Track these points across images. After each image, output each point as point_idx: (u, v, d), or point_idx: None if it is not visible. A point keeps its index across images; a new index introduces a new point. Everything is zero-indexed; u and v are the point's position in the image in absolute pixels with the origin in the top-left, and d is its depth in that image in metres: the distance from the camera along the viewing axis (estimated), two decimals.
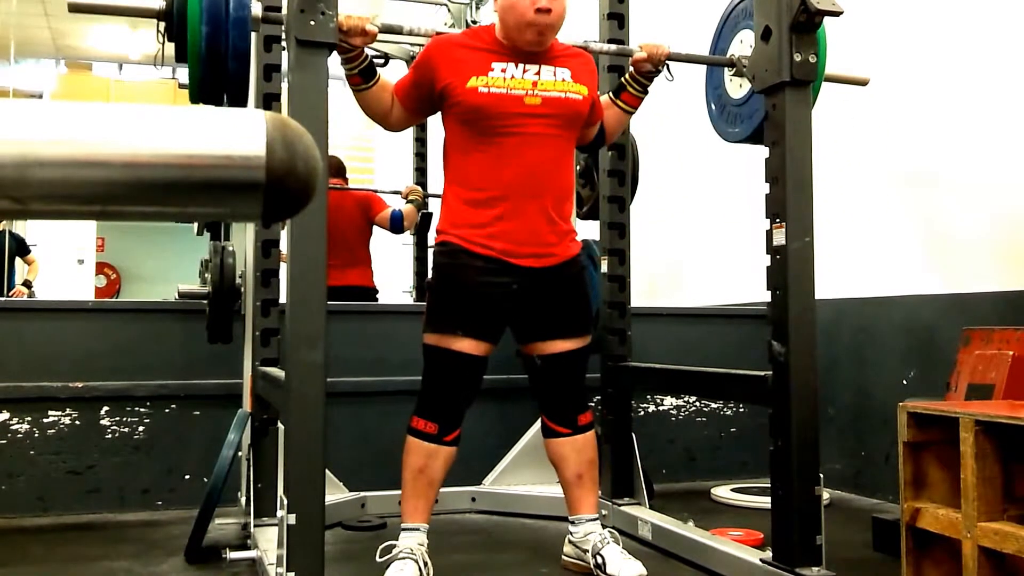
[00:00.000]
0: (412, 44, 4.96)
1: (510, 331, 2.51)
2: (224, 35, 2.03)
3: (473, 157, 2.36)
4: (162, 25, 2.08)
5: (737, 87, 2.61)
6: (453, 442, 2.38)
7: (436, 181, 5.18)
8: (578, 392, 2.50)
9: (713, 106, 2.76)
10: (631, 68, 2.59)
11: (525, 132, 2.33)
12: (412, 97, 2.43)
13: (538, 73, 2.37)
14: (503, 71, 2.34)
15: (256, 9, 2.10)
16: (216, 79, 2.06)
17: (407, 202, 4.60)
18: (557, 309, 2.45)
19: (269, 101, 2.72)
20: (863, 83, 2.67)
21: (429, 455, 2.35)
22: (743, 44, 2.56)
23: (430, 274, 2.51)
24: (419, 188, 4.74)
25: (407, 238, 5.22)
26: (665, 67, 2.56)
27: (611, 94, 2.64)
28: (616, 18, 3.10)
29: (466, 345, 2.34)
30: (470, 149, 2.37)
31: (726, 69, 2.60)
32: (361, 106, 2.44)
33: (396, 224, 4.50)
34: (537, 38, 2.33)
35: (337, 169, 4.53)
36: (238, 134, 0.94)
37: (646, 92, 2.62)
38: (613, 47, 2.77)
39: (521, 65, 2.36)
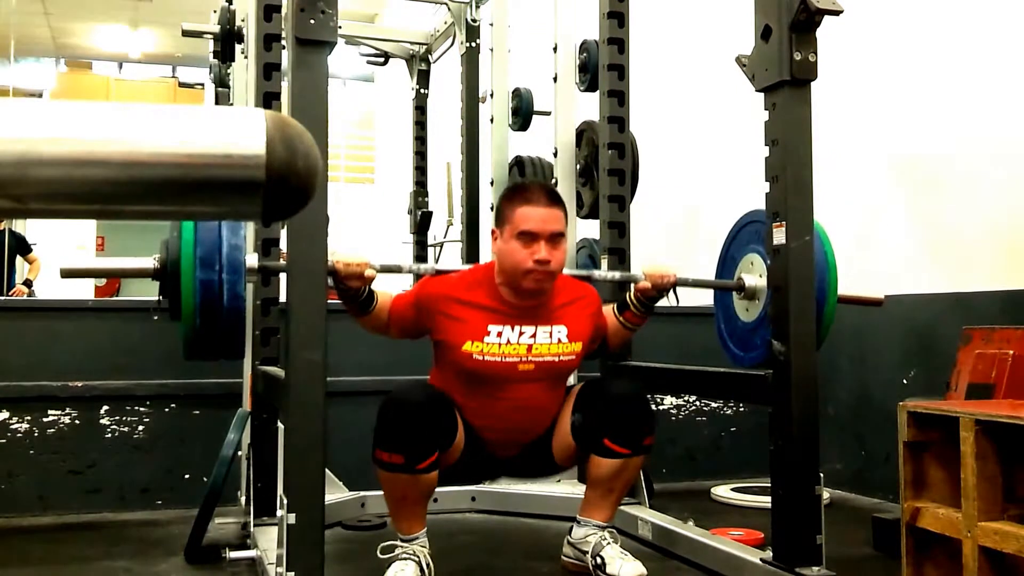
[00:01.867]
0: (412, 43, 4.96)
1: (538, 475, 2.64)
2: (218, 296, 2.03)
3: (460, 383, 2.39)
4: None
5: (745, 310, 2.55)
6: (429, 469, 2.22)
7: (436, 180, 5.19)
8: (646, 409, 2.42)
9: (723, 326, 2.71)
10: (635, 291, 2.55)
11: (515, 391, 2.37)
12: (410, 325, 2.42)
13: (534, 335, 2.37)
14: (499, 335, 2.33)
15: (252, 261, 2.12)
16: (210, 336, 2.07)
17: None
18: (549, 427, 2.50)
19: (269, 100, 2.72)
20: (878, 303, 2.65)
21: (403, 485, 2.24)
22: (752, 267, 2.51)
23: None
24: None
25: (407, 236, 5.22)
26: (673, 292, 2.52)
27: (615, 309, 2.60)
28: (616, 17, 3.09)
29: (434, 389, 2.34)
30: (459, 378, 2.39)
31: (735, 293, 2.58)
32: (359, 324, 2.41)
33: None
34: (535, 287, 2.33)
35: None
36: (238, 133, 0.94)
37: (650, 312, 2.59)
38: (617, 275, 2.78)
39: (517, 328, 2.35)
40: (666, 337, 3.81)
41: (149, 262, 2.08)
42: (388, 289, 2.43)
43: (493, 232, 2.43)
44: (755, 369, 2.37)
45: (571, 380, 2.61)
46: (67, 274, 1.97)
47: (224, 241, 2.03)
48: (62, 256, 9.78)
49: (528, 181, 3.46)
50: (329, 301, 2.08)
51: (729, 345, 2.66)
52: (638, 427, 2.39)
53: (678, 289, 2.52)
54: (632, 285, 2.59)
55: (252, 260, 2.11)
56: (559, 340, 2.40)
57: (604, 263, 3.09)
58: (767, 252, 2.28)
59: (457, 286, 2.39)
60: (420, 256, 5.10)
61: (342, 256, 2.18)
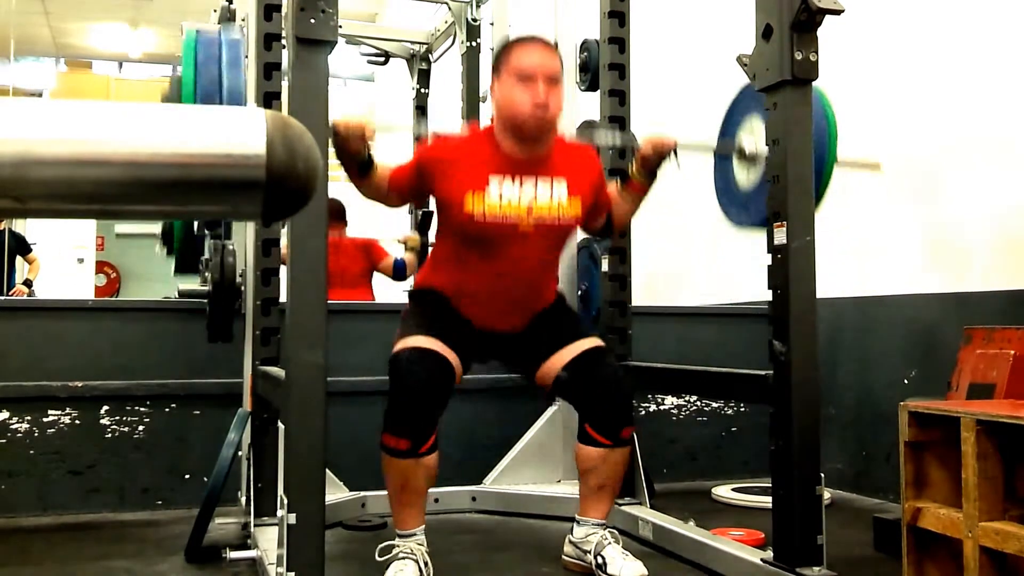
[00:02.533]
0: (412, 43, 4.96)
1: (519, 373, 2.54)
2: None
3: (461, 256, 2.41)
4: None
5: (745, 175, 2.56)
6: (430, 451, 2.28)
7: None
8: (623, 399, 2.44)
9: (721, 191, 2.72)
10: (638, 159, 2.56)
11: (516, 250, 2.37)
12: (409, 191, 2.45)
13: (534, 192, 2.37)
14: (499, 192, 2.34)
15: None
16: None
17: (406, 249, 4.66)
18: (551, 329, 2.48)
19: (269, 100, 2.71)
20: (875, 168, 2.65)
21: (407, 470, 2.28)
22: (752, 130, 2.51)
23: (402, 312, 2.52)
24: (416, 236, 4.75)
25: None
26: (674, 156, 2.52)
27: (619, 183, 2.61)
28: (617, 16, 3.09)
29: (432, 344, 2.32)
30: (460, 249, 2.41)
31: (734, 157, 2.58)
32: (357, 190, 2.42)
33: (399, 272, 4.61)
34: (535, 128, 2.33)
35: (336, 213, 4.49)
36: (238, 133, 0.93)
37: (654, 179, 2.58)
38: (617, 139, 2.78)
39: (518, 181, 2.35)
40: (667, 337, 3.81)
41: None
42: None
43: (491, 84, 2.43)
44: (755, 369, 2.37)
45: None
46: None
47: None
48: (62, 255, 9.77)
49: None
50: (329, 301, 2.08)
51: (729, 210, 2.68)
52: (615, 418, 2.41)
53: (679, 155, 2.53)
54: (634, 155, 2.59)
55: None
56: (559, 199, 2.39)
57: (605, 262, 3.08)
58: (768, 252, 2.27)
59: (458, 141, 2.43)
60: (420, 257, 5.09)
61: (343, 117, 2.18)
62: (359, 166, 2.31)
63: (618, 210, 2.61)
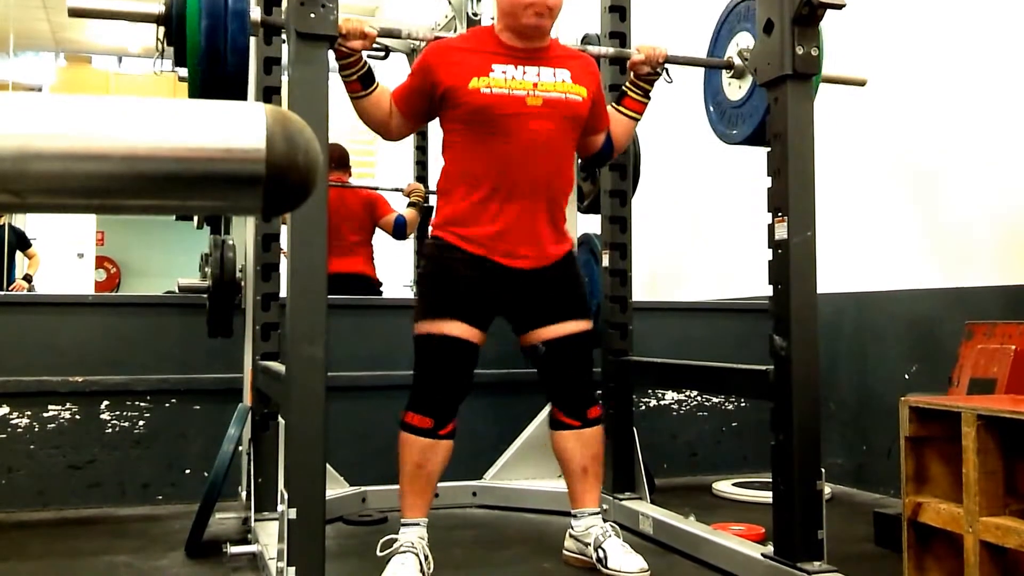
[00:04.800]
0: (412, 37, 4.94)
1: (509, 326, 2.50)
2: (224, 33, 2.02)
3: (473, 155, 2.36)
4: (161, 31, 2.08)
5: (736, 88, 2.60)
6: (449, 435, 2.36)
7: (437, 175, 5.17)
8: (587, 383, 2.49)
9: (712, 108, 2.74)
10: (631, 73, 2.60)
11: (527, 131, 2.33)
12: (412, 103, 2.42)
13: (538, 74, 2.37)
14: (503, 72, 2.33)
15: (255, 14, 2.10)
16: (216, 79, 2.05)
17: (408, 204, 4.61)
18: (553, 296, 2.46)
19: (269, 94, 2.71)
20: (861, 83, 2.67)
21: (426, 450, 2.33)
22: (740, 47, 2.56)
23: (422, 267, 2.49)
24: (421, 186, 4.71)
25: None
26: (664, 69, 2.57)
27: (614, 102, 2.64)
28: (617, 11, 3.08)
29: (458, 329, 2.32)
30: (470, 147, 2.37)
31: (724, 71, 2.60)
32: (359, 114, 2.42)
33: (399, 230, 4.51)
34: (536, 20, 2.33)
35: (340, 160, 4.44)
36: (238, 127, 0.93)
37: (648, 96, 2.63)
38: (611, 50, 2.78)
39: (521, 67, 2.36)
40: (667, 332, 3.81)
41: (155, 7, 2.07)
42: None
43: None
44: (756, 364, 2.37)
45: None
46: (73, 12, 1.99)
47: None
48: (62, 250, 9.76)
49: None
50: (329, 297, 2.08)
51: (719, 126, 2.71)
52: (578, 400, 2.46)
53: (669, 68, 2.57)
54: (628, 72, 2.62)
55: (255, 14, 2.10)
56: (563, 80, 2.39)
57: (605, 258, 3.08)
58: (769, 247, 2.27)
59: (458, 40, 2.45)
60: (420, 252, 5.08)
61: (345, 18, 2.18)
62: (360, 78, 2.32)
63: (616, 128, 2.62)
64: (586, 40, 3.35)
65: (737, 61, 2.50)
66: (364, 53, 2.33)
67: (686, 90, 4.31)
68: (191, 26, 2.01)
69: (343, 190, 4.41)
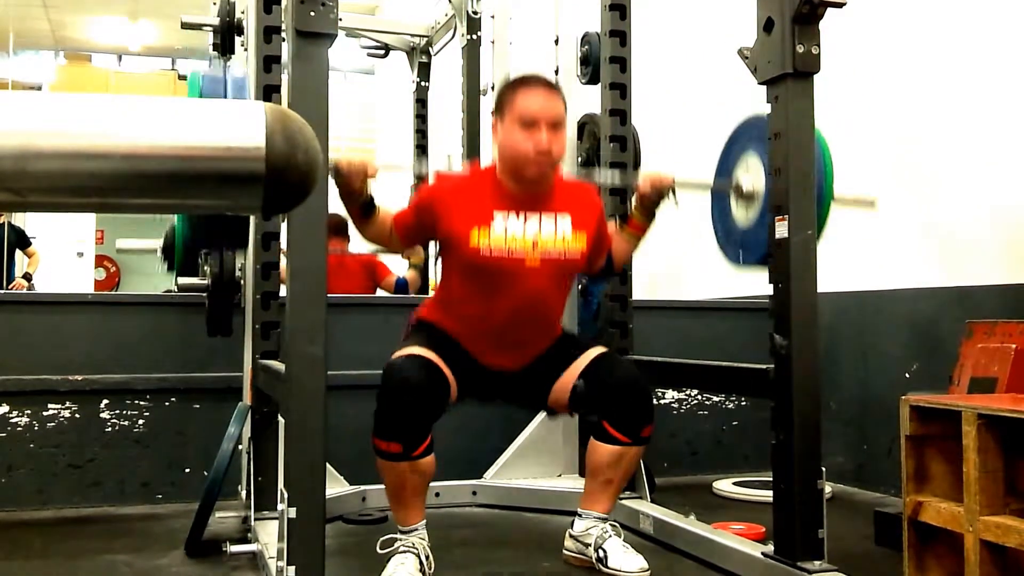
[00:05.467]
0: (413, 36, 4.95)
1: (527, 407, 2.54)
2: None
3: (468, 292, 2.39)
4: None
5: (743, 213, 2.54)
6: (424, 454, 2.24)
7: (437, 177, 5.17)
8: (647, 400, 2.42)
9: (719, 230, 2.70)
10: (637, 198, 2.56)
11: (523, 288, 2.36)
12: (412, 235, 2.44)
13: (538, 228, 2.36)
14: (504, 226, 2.33)
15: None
16: None
17: (409, 266, 4.65)
18: (554, 354, 2.47)
19: (269, 93, 2.71)
20: (870, 203, 2.65)
21: (402, 473, 2.24)
22: (749, 170, 2.50)
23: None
24: (420, 252, 4.73)
25: None
26: (671, 195, 2.53)
27: (618, 221, 2.62)
28: (618, 9, 3.08)
29: (426, 353, 2.29)
30: (466, 286, 2.39)
31: (732, 194, 2.57)
32: (360, 233, 2.42)
33: (401, 291, 4.62)
34: (537, 173, 2.33)
35: (337, 228, 4.38)
36: (238, 126, 0.93)
37: (653, 218, 2.59)
38: (617, 179, 2.77)
39: (522, 216, 2.35)
40: (668, 331, 3.80)
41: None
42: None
43: (493, 124, 2.42)
44: (756, 363, 2.36)
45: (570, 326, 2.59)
46: None
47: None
48: (62, 249, 9.75)
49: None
50: (329, 295, 2.07)
51: (727, 249, 2.66)
52: (637, 416, 2.39)
53: (677, 193, 2.53)
54: (632, 194, 2.58)
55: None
56: (563, 234, 2.39)
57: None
58: (769, 246, 2.26)
59: (460, 180, 2.43)
60: (423, 274, 5.09)
61: (345, 155, 2.19)
62: (361, 207, 2.32)
63: (618, 249, 2.62)
64: (586, 39, 3.36)
65: (745, 184, 2.48)
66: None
67: (688, 85, 4.29)
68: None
69: (340, 256, 4.45)
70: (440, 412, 2.29)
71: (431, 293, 2.75)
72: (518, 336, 2.43)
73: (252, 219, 2.84)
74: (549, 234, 2.37)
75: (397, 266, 4.78)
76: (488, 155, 3.84)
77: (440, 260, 2.46)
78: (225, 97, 1.95)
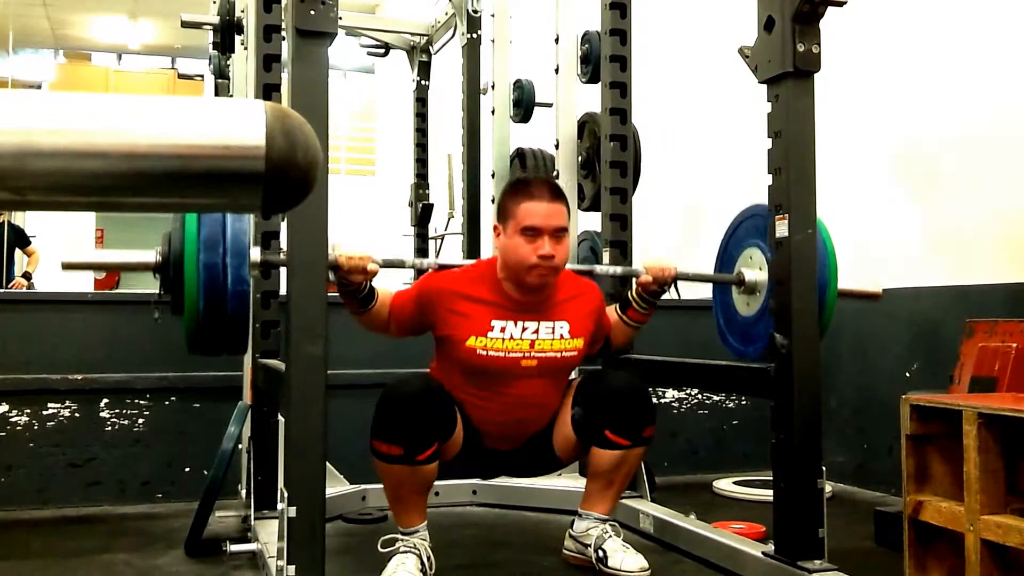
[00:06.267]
0: (413, 34, 4.94)
1: (538, 471, 2.63)
2: (223, 286, 1.99)
3: (464, 381, 2.38)
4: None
5: (745, 304, 2.54)
6: (428, 460, 2.23)
7: (437, 172, 5.18)
8: (647, 401, 2.43)
9: (722, 321, 2.70)
10: (638, 287, 2.56)
11: (518, 387, 2.37)
12: (409, 326, 2.43)
13: (536, 331, 2.37)
14: (502, 331, 2.33)
15: (255, 255, 2.08)
16: (215, 329, 2.04)
17: None
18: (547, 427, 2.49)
19: (269, 91, 2.70)
20: (876, 296, 2.63)
21: (403, 476, 2.24)
22: (752, 261, 2.51)
23: None
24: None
25: (407, 229, 5.21)
26: (673, 286, 2.53)
27: (618, 308, 2.61)
28: (618, 8, 3.08)
29: (434, 383, 2.32)
30: (462, 376, 2.39)
31: (734, 287, 2.57)
32: (357, 321, 2.40)
33: None
34: (539, 282, 2.33)
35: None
36: (238, 124, 0.93)
37: (653, 307, 2.59)
38: (619, 271, 2.77)
39: (520, 323, 2.36)
40: (668, 330, 3.80)
41: (151, 255, 2.05)
42: (388, 287, 2.42)
43: (495, 228, 2.42)
44: (757, 362, 2.36)
45: (572, 374, 2.60)
46: (68, 267, 1.95)
47: (228, 228, 2.00)
48: (62, 250, 9.78)
49: (530, 176, 3.46)
50: (329, 294, 2.07)
51: (729, 339, 2.65)
52: (638, 418, 2.39)
53: (679, 283, 2.52)
54: (633, 281, 2.58)
55: (255, 254, 2.10)
56: (561, 336, 2.40)
57: (606, 255, 3.08)
58: (769, 244, 2.26)
59: (460, 281, 2.39)
60: (421, 249, 5.09)
61: (344, 251, 2.17)
62: (359, 301, 2.30)
63: (616, 333, 2.62)
64: (586, 38, 3.35)
65: (748, 277, 2.48)
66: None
67: (688, 84, 4.29)
68: (188, 275, 1.99)
69: None
70: (444, 425, 2.29)
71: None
72: (515, 425, 2.44)
73: (252, 218, 2.83)
74: (547, 337, 2.38)
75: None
76: (486, 204, 3.84)
77: (436, 350, 2.45)
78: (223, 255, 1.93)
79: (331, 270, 2.15)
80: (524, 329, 2.36)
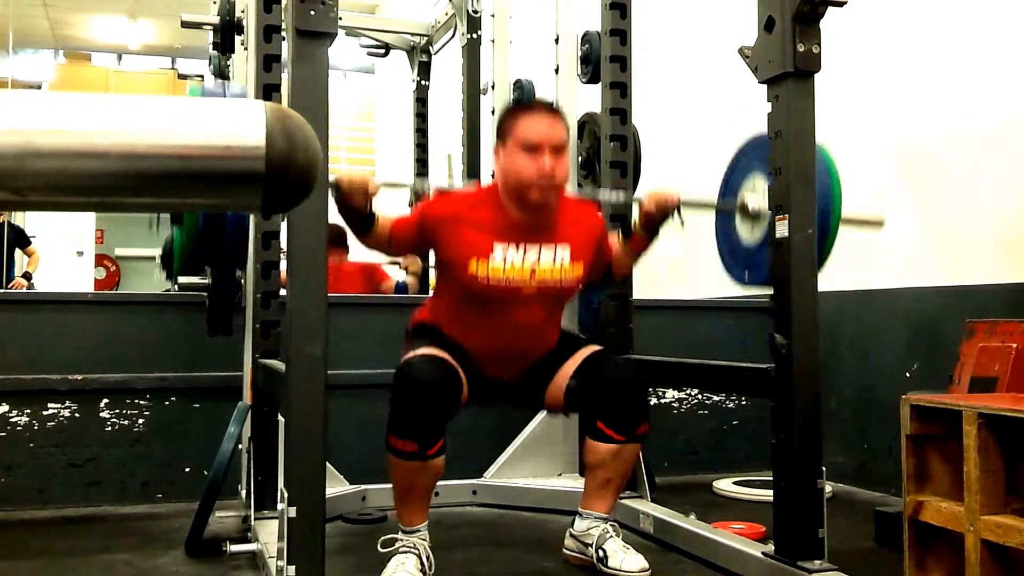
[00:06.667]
0: (413, 35, 4.94)
1: (528, 404, 2.59)
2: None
3: (464, 308, 2.40)
4: None
5: (748, 232, 2.54)
6: (437, 454, 2.25)
7: (437, 172, 5.18)
8: (641, 398, 2.43)
9: (724, 247, 2.70)
10: (642, 216, 2.54)
11: (519, 313, 2.38)
12: (410, 247, 2.48)
13: (538, 257, 2.37)
14: (503, 257, 2.34)
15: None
16: (213, 241, 2.03)
17: (408, 274, 4.68)
18: (548, 358, 2.49)
19: (269, 92, 2.70)
20: (878, 223, 2.64)
21: (414, 472, 2.25)
22: (755, 190, 2.50)
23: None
24: (418, 259, 4.74)
25: None
26: (676, 214, 2.51)
27: (620, 236, 2.61)
28: (618, 8, 3.08)
29: (440, 353, 2.30)
30: (461, 302, 2.40)
31: (737, 214, 2.57)
32: (360, 241, 2.42)
33: (401, 295, 4.61)
34: (540, 199, 2.33)
35: (337, 239, 4.39)
36: (238, 124, 0.93)
37: (656, 236, 2.57)
38: (621, 197, 2.76)
39: (522, 247, 2.36)
40: (668, 330, 3.80)
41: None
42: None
43: (495, 150, 2.42)
44: (757, 362, 2.36)
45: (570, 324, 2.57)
46: None
47: None
48: (61, 248, 9.76)
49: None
50: (330, 294, 2.07)
51: (733, 269, 2.66)
52: (631, 414, 2.40)
53: (682, 211, 2.52)
54: (636, 210, 2.57)
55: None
56: (562, 262, 2.40)
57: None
58: (769, 245, 2.26)
59: (462, 205, 2.40)
60: (422, 280, 5.09)
61: (346, 173, 2.20)
62: (361, 220, 2.31)
63: (618, 262, 2.62)
64: (586, 38, 3.35)
65: (751, 204, 2.48)
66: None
67: (689, 84, 4.29)
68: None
69: (340, 263, 4.49)
70: (454, 412, 2.29)
71: (431, 293, 2.77)
72: (514, 353, 2.46)
73: (252, 218, 2.84)
74: (547, 264, 2.39)
75: (395, 273, 4.80)
76: (488, 156, 3.84)
77: (437, 273, 2.46)
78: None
79: (333, 190, 2.16)
80: (525, 254, 2.36)
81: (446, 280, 2.45)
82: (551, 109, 2.40)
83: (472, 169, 4.30)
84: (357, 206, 2.25)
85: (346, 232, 4.60)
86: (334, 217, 2.17)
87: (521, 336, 2.43)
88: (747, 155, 2.58)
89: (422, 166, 5.04)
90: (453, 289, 2.42)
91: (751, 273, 2.53)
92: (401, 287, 4.63)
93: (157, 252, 3.31)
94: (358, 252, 4.84)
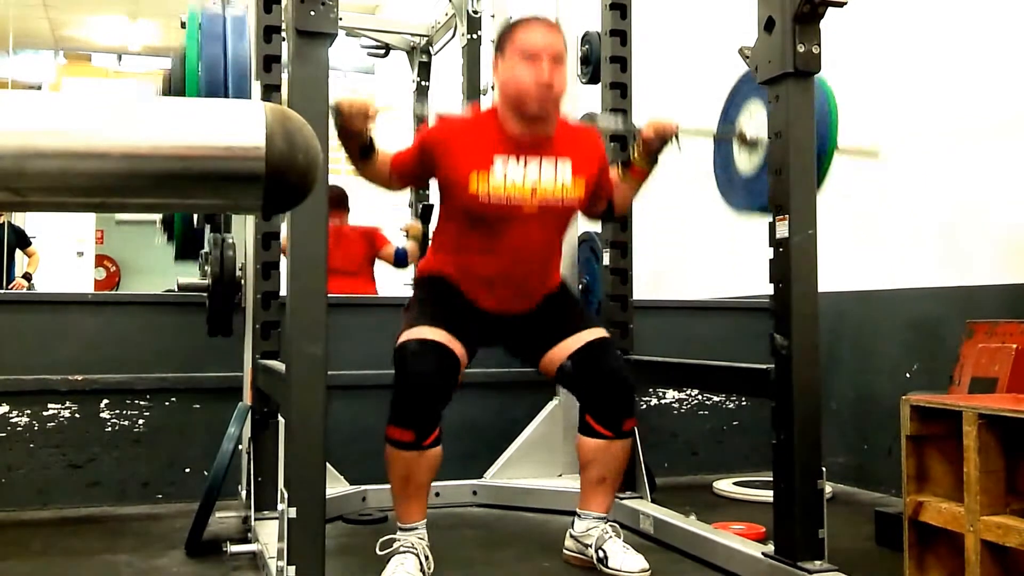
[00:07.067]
0: (413, 35, 4.94)
1: (520, 360, 2.55)
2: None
3: (467, 233, 2.41)
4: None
5: (746, 160, 2.54)
6: (434, 444, 2.27)
7: None
8: (625, 391, 2.43)
9: (720, 175, 2.70)
10: (640, 143, 2.54)
11: (521, 233, 2.38)
12: (412, 176, 2.48)
13: (539, 173, 2.37)
14: (504, 172, 2.33)
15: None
16: None
17: (408, 237, 4.69)
18: (555, 317, 2.49)
19: (269, 92, 2.70)
20: (874, 155, 2.64)
21: (411, 462, 2.26)
22: (752, 117, 2.50)
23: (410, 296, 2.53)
24: (418, 224, 4.75)
25: None
26: (674, 140, 2.52)
27: (620, 167, 2.61)
28: (618, 8, 3.08)
29: (437, 335, 2.29)
30: (465, 226, 2.41)
31: (735, 142, 2.57)
32: (359, 174, 2.40)
33: (400, 260, 4.68)
34: (539, 108, 2.33)
35: (338, 200, 4.48)
36: (238, 125, 0.93)
37: (655, 164, 2.57)
38: (620, 126, 2.76)
39: (523, 160, 2.35)
40: (668, 330, 3.80)
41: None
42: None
43: (494, 61, 2.42)
44: (757, 363, 2.36)
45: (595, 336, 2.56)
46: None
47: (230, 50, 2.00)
48: (61, 249, 9.76)
49: None
50: (329, 295, 2.07)
51: (728, 194, 2.67)
52: (617, 409, 2.41)
53: (680, 139, 2.52)
54: (635, 139, 2.58)
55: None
56: (563, 180, 2.40)
57: (606, 256, 3.07)
58: (769, 245, 2.26)
59: (461, 123, 2.43)
60: (422, 245, 5.09)
61: (346, 96, 2.18)
62: (361, 148, 2.30)
63: (619, 194, 2.61)
64: (586, 39, 3.35)
65: (749, 132, 2.48)
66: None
67: (689, 84, 4.30)
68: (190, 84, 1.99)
69: (340, 226, 4.49)
70: (450, 395, 2.31)
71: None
72: (516, 279, 2.44)
73: (252, 219, 2.84)
74: (548, 180, 2.38)
75: (396, 239, 4.80)
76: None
77: (438, 205, 2.45)
78: (224, 33, 1.92)
79: (333, 114, 2.15)
80: (526, 169, 2.36)
81: (447, 208, 2.45)
82: (549, 21, 2.40)
83: None
84: (358, 130, 2.24)
85: (347, 195, 4.62)
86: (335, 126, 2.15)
87: (523, 260, 2.41)
88: (745, 83, 2.58)
89: None
90: (455, 217, 2.42)
91: (749, 200, 2.53)
92: (401, 253, 4.62)
93: (157, 216, 3.32)
94: (359, 217, 4.88)
